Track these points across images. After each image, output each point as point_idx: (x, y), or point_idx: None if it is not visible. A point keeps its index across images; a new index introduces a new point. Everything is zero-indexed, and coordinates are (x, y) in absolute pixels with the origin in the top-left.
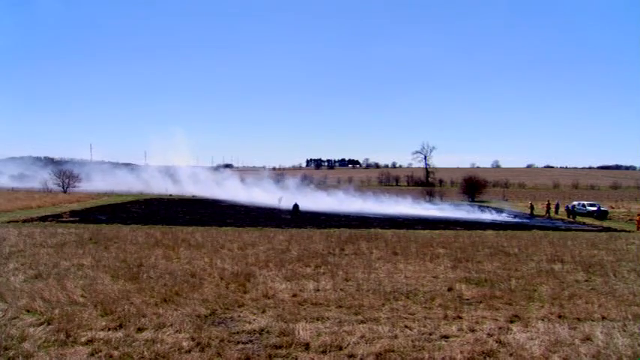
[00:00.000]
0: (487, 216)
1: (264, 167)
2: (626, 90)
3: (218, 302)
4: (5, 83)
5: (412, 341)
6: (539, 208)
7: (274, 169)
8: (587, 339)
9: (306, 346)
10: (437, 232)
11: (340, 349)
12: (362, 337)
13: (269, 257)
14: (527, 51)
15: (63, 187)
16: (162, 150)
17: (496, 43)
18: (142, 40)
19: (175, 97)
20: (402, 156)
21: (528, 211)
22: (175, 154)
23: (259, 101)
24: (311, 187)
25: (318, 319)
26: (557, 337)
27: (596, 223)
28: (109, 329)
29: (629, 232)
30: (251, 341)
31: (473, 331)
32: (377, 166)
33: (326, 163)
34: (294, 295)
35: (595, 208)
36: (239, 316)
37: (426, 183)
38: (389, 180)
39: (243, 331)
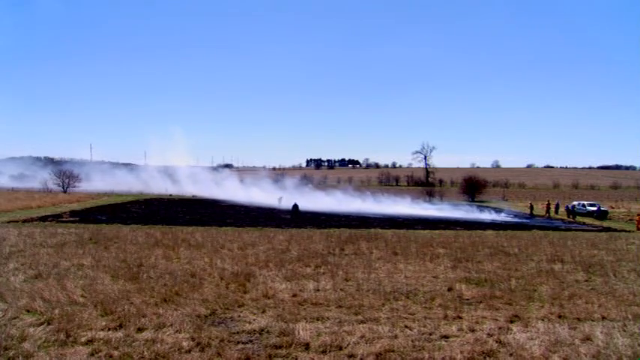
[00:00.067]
0: (486, 216)
1: (264, 167)
2: (626, 90)
3: (218, 302)
4: (5, 83)
5: (412, 341)
6: (540, 208)
7: (274, 169)
8: (587, 339)
9: (306, 346)
10: (437, 232)
11: (340, 349)
12: (362, 337)
13: (269, 257)
14: (527, 51)
15: (63, 187)
16: (161, 150)
17: (496, 43)
18: (141, 40)
19: (175, 97)
20: (402, 156)
21: (528, 211)
22: (174, 154)
23: (259, 101)
24: (309, 187)
25: (318, 319)
26: (557, 337)
27: (596, 223)
28: (109, 329)
29: (629, 232)
30: (251, 341)
31: (473, 331)
32: (377, 166)
33: (326, 163)
34: (294, 295)
35: (595, 208)
36: (239, 316)
37: (426, 183)
38: (389, 180)
39: (243, 331)
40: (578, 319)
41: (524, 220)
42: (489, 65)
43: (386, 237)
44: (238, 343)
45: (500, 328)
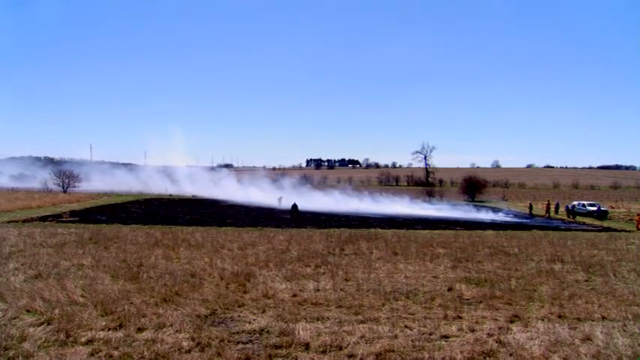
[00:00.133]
0: (484, 216)
1: (264, 167)
2: (626, 90)
3: (218, 302)
4: (5, 83)
5: (412, 341)
6: (539, 208)
7: (274, 169)
8: (587, 339)
9: (306, 346)
10: (437, 232)
11: (340, 349)
12: (362, 337)
13: (269, 257)
14: (527, 51)
15: (63, 187)
16: (160, 150)
17: (496, 43)
18: (141, 40)
19: (175, 97)
20: (402, 156)
21: (527, 211)
22: (173, 154)
23: (259, 101)
24: (307, 186)
25: (318, 319)
26: (557, 337)
27: (596, 223)
28: (109, 329)
29: (629, 232)
30: (251, 341)
31: (473, 331)
32: (377, 166)
33: (326, 163)
34: (294, 295)
35: (595, 208)
36: (239, 316)
37: (426, 183)
38: (389, 180)
39: (243, 331)
40: (578, 319)
41: (524, 220)
42: (489, 65)
43: (386, 237)
44: (238, 343)
45: (500, 328)
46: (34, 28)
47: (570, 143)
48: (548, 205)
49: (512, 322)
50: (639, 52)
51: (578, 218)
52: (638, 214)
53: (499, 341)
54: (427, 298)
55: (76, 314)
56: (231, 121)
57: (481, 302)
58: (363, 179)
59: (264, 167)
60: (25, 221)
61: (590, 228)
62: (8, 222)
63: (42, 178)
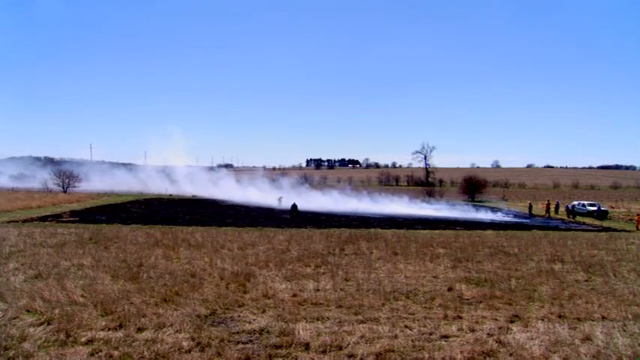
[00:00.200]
0: (484, 215)
1: (264, 167)
2: (626, 90)
3: (218, 302)
4: (5, 83)
5: (412, 341)
6: (539, 208)
7: (274, 169)
8: (587, 339)
9: (306, 346)
10: (437, 232)
11: (340, 349)
12: (362, 337)
13: (269, 257)
14: (527, 51)
15: (63, 187)
16: (160, 150)
17: (496, 43)
18: (141, 40)
19: (175, 97)
20: (402, 156)
21: (527, 211)
22: (172, 154)
23: (259, 101)
24: (305, 186)
25: (318, 319)
26: (557, 337)
27: (596, 223)
28: (109, 329)
29: (629, 232)
30: (251, 341)
31: (473, 331)
32: (377, 166)
33: (326, 163)
34: (294, 295)
35: (595, 208)
36: (239, 316)
37: (426, 183)
38: (389, 180)
39: (243, 331)
40: (578, 319)
41: (524, 220)
42: (489, 65)
43: (386, 237)
44: (238, 343)
45: (500, 328)
46: (34, 28)
47: (570, 143)
48: (548, 205)
49: (512, 322)
50: (639, 52)
51: (578, 218)
52: (638, 214)
53: (499, 341)
54: (427, 298)
55: (76, 314)
56: (231, 121)
57: (481, 302)
58: (363, 179)
59: (264, 167)
60: (25, 221)
61: (590, 228)
62: (8, 222)
63: (42, 178)
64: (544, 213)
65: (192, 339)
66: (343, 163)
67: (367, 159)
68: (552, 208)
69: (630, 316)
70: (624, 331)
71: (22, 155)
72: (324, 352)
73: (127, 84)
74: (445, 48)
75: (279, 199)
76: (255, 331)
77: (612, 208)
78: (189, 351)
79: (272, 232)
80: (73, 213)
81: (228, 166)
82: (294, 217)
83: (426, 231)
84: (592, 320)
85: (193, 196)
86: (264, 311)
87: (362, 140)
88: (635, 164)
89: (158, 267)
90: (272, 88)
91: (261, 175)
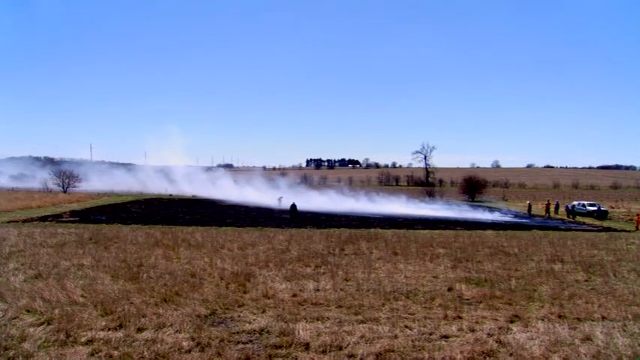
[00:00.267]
0: (482, 215)
1: (264, 167)
2: (626, 90)
3: (218, 302)
4: (5, 83)
5: (412, 341)
6: (539, 208)
7: (274, 169)
8: (587, 339)
9: (306, 346)
10: (437, 232)
11: (340, 349)
12: (362, 337)
13: (269, 257)
14: (527, 51)
15: (63, 187)
16: (159, 149)
17: (496, 43)
18: (141, 40)
19: (175, 97)
20: (402, 156)
21: (526, 211)
22: (171, 154)
23: (259, 101)
24: (306, 186)
25: (318, 319)
26: (557, 337)
27: (596, 223)
28: (109, 329)
29: (629, 232)
30: (251, 341)
31: (473, 331)
32: (377, 166)
33: (326, 163)
34: (294, 295)
35: (595, 208)
36: (239, 316)
37: (426, 183)
38: (389, 180)
39: (243, 331)
40: (578, 319)
41: (523, 220)
42: (489, 65)
43: (386, 237)
44: (238, 343)
45: (500, 328)
46: (34, 28)
47: (570, 143)
48: (548, 205)
49: (512, 322)
50: (639, 52)
51: (578, 218)
52: (638, 214)
53: (499, 341)
54: (427, 298)
55: (76, 314)
56: (231, 121)
57: (481, 302)
58: (363, 179)
59: (264, 167)
60: (25, 221)
61: (590, 228)
62: (8, 222)
63: (42, 178)
64: (544, 213)
65: (192, 339)
66: (343, 163)
67: (367, 159)
68: (552, 208)
69: (630, 316)
70: (624, 331)
71: (21, 155)
72: (324, 352)
73: (126, 84)
74: (445, 48)
75: (279, 199)
76: (255, 331)
77: (612, 208)
78: (189, 351)
79: (272, 232)
80: (73, 213)
81: (228, 166)
82: (294, 217)
83: (425, 231)
84: (592, 320)
85: (193, 196)
86: (264, 311)
87: (362, 140)
88: (635, 164)
89: (158, 267)
90: (272, 88)
91: (262, 176)
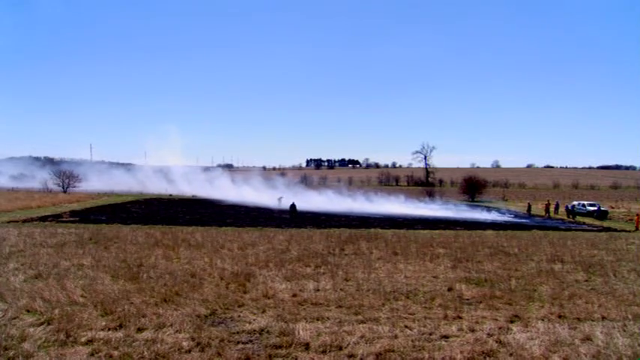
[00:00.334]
0: (482, 215)
1: (264, 167)
2: (626, 90)
3: (218, 302)
4: (5, 83)
5: (412, 341)
6: (539, 208)
7: (274, 169)
8: (587, 339)
9: (306, 346)
10: (437, 232)
11: (340, 349)
12: (362, 337)
13: (269, 257)
14: (527, 51)
15: (63, 187)
16: (158, 149)
17: (496, 43)
18: (141, 40)
19: (175, 97)
20: (402, 156)
21: (525, 211)
22: (171, 154)
23: (259, 101)
24: (306, 186)
25: (318, 319)
26: (557, 337)
27: (596, 223)
28: (109, 329)
29: (629, 232)
30: (251, 341)
31: (473, 331)
32: (377, 166)
33: (326, 163)
34: (294, 295)
35: (595, 208)
36: (239, 316)
37: (426, 183)
38: (389, 180)
39: (243, 331)
40: (578, 319)
41: (523, 220)
42: (489, 65)
43: (386, 237)
44: (238, 343)
45: (500, 328)
46: (34, 28)
47: (570, 143)
48: (548, 205)
49: (512, 322)
50: (639, 52)
51: (578, 218)
52: (637, 214)
53: (499, 341)
54: (427, 298)
55: (76, 314)
56: (231, 121)
57: (481, 302)
58: (363, 179)
59: (264, 167)
60: (25, 221)
61: (590, 228)
62: (8, 222)
63: (42, 178)
64: (544, 213)
65: (192, 339)
66: (343, 163)
67: (367, 159)
68: (552, 208)
69: (630, 316)
70: (624, 331)
71: (21, 155)
72: (324, 352)
73: (126, 84)
74: (445, 48)
75: (279, 199)
76: (255, 331)
77: (612, 208)
78: (189, 351)
79: (272, 232)
80: (73, 213)
81: (228, 166)
82: (294, 217)
83: (425, 231)
84: (592, 320)
85: (193, 196)
86: (264, 311)
87: (362, 140)
88: (635, 164)
89: (158, 267)
90: (272, 88)
91: (262, 176)
